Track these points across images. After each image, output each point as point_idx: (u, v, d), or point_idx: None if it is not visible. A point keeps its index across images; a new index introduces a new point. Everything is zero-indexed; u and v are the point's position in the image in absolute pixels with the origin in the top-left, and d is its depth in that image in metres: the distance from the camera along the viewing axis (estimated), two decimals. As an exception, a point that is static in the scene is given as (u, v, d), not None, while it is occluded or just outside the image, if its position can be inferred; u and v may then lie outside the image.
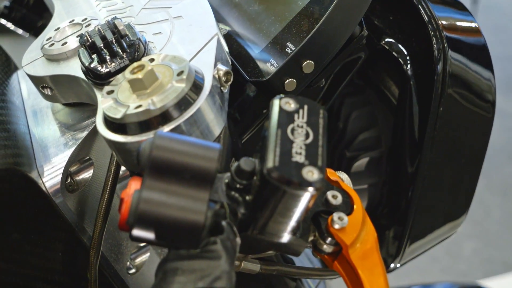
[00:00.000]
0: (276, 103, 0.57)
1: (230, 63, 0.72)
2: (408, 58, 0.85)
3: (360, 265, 0.60)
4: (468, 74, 0.85)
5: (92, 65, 0.68)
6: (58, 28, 0.80)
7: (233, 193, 0.58)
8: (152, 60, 0.66)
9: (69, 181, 0.73)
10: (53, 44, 0.77)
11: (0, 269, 0.68)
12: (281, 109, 0.57)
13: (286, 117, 0.57)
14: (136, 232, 0.53)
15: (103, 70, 0.68)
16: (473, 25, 0.88)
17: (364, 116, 0.94)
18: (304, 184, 0.53)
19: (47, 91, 0.78)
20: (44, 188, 0.71)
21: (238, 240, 0.58)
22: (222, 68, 0.66)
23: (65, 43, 0.77)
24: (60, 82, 0.76)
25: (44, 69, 0.77)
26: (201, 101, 0.61)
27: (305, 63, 0.74)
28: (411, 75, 0.85)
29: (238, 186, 0.58)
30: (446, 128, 0.85)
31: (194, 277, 0.53)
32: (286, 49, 0.75)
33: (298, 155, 0.54)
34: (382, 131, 0.93)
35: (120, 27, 0.69)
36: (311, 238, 0.63)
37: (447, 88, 0.82)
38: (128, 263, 0.82)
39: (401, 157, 0.90)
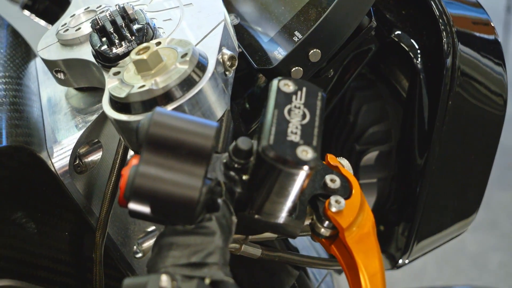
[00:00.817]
0: (274, 84, 0.58)
1: (238, 49, 0.73)
2: (418, 52, 0.85)
3: (355, 248, 0.60)
4: (479, 69, 0.85)
5: (101, 48, 0.70)
6: (74, 15, 0.82)
7: (231, 173, 0.59)
8: (159, 43, 0.67)
9: (77, 162, 0.75)
10: (67, 30, 0.79)
11: (5, 244, 0.69)
12: (279, 90, 0.58)
13: (284, 98, 0.57)
14: (132, 206, 0.54)
15: (112, 53, 0.69)
16: (485, 20, 0.88)
17: (374, 110, 0.94)
18: (298, 162, 0.53)
19: (60, 75, 0.80)
20: (53, 168, 0.73)
21: (234, 218, 0.58)
22: (227, 52, 0.67)
23: (79, 28, 0.79)
24: (73, 66, 0.78)
25: (58, 54, 0.79)
26: (203, 83, 0.63)
27: (311, 51, 0.75)
28: (421, 69, 0.84)
29: (236, 166, 0.59)
30: (455, 123, 0.85)
31: (187, 252, 0.54)
32: (294, 38, 0.76)
33: (294, 134, 0.55)
34: (392, 125, 0.93)
35: (130, 12, 0.70)
36: (308, 221, 0.64)
37: (456, 83, 0.82)
38: (135, 247, 0.83)
39: (410, 152, 0.90)
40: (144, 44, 0.65)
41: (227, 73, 0.67)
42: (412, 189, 0.91)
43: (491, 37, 0.88)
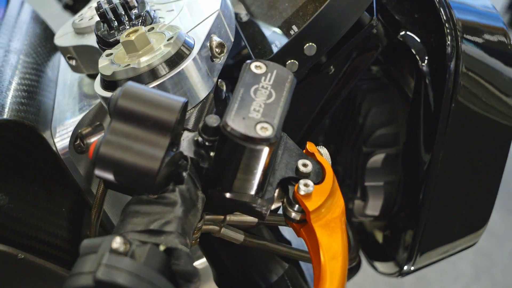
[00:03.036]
0: (246, 65, 0.60)
1: (232, 39, 0.75)
2: (424, 54, 0.84)
3: (319, 231, 0.60)
4: (487, 75, 0.83)
5: (100, 33, 0.74)
6: (91, 7, 0.87)
7: (200, 150, 0.61)
8: (151, 28, 0.70)
9: (78, 142, 0.79)
10: (82, 19, 0.84)
11: (3, 213, 0.73)
12: (249, 71, 0.60)
13: (253, 78, 0.59)
14: (98, 172, 0.57)
15: (111, 38, 0.73)
16: (498, 25, 0.86)
17: (383, 113, 0.94)
18: (256, 138, 0.55)
19: (72, 62, 0.84)
20: (54, 147, 0.77)
21: (201, 194, 0.60)
22: (216, 39, 0.70)
23: (92, 18, 0.83)
24: (82, 53, 0.82)
25: (70, 41, 0.83)
26: (185, 64, 0.65)
27: (307, 45, 0.76)
28: (427, 71, 0.84)
29: (206, 143, 0.60)
30: (459, 128, 0.84)
31: (147, 219, 0.56)
32: (291, 31, 0.77)
33: (256, 112, 0.56)
34: (401, 129, 0.93)
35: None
36: (279, 204, 0.64)
37: (459, 86, 0.81)
38: None
39: (415, 156, 0.89)
40: (134, 27, 0.68)
41: (215, 59, 0.70)
42: (416, 194, 0.90)
43: (504, 45, 0.86)
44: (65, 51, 0.84)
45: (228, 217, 0.71)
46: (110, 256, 0.51)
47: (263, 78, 0.59)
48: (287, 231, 0.85)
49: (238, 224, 0.72)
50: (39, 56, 0.91)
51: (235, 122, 0.55)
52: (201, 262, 0.94)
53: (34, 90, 0.82)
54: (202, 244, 0.83)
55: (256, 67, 0.60)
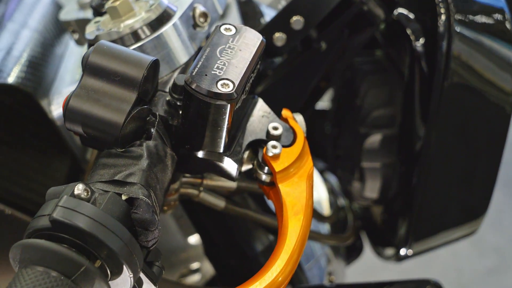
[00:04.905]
0: (216, 27, 0.62)
1: (220, 12, 0.77)
2: (419, 34, 0.84)
3: (284, 191, 0.61)
4: (480, 54, 0.83)
5: (94, 3, 0.76)
6: None
7: (171, 109, 0.62)
8: None
9: None
10: None
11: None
12: (218, 32, 0.61)
13: (220, 39, 0.61)
14: (68, 124, 0.59)
15: (102, 7, 0.76)
16: (497, 5, 0.85)
17: (381, 95, 0.94)
18: (215, 94, 0.56)
19: (75, 36, 0.88)
20: (50, 114, 0.80)
21: (170, 151, 0.62)
22: (200, 8, 0.72)
23: None
24: (84, 26, 0.86)
25: (72, 15, 0.87)
26: (164, 29, 0.67)
27: (294, 18, 0.77)
28: (421, 51, 0.84)
29: (177, 103, 0.62)
30: (452, 107, 0.83)
31: (113, 171, 0.58)
32: (279, 6, 0.79)
33: (219, 70, 0.58)
34: (397, 111, 0.92)
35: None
36: (249, 167, 0.66)
37: (451, 65, 0.80)
38: None
39: (410, 137, 0.89)
40: None
41: (197, 28, 0.71)
42: (410, 178, 0.90)
43: (501, 25, 0.85)
44: (68, 25, 0.87)
45: (205, 181, 0.72)
46: (69, 199, 0.52)
47: (231, 39, 0.61)
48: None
49: (216, 188, 0.73)
50: (49, 33, 0.95)
51: (197, 78, 0.57)
52: (195, 238, 0.96)
53: (39, 63, 0.86)
54: (191, 216, 0.85)
55: (226, 29, 0.62)
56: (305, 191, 0.62)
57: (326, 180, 1.13)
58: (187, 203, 0.83)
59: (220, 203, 0.76)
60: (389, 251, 1.00)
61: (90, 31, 0.71)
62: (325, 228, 1.03)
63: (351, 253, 1.13)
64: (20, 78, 0.79)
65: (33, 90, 0.80)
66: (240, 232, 0.84)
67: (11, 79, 0.77)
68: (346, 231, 0.99)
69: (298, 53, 0.85)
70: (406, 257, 0.96)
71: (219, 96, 0.56)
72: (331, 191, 1.11)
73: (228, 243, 0.85)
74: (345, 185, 1.03)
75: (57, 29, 0.99)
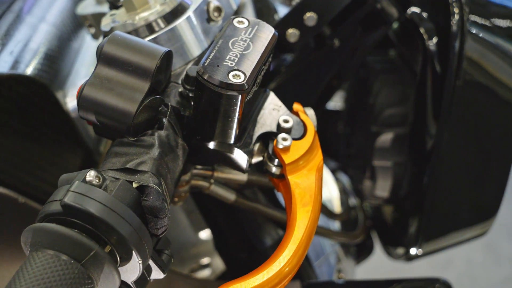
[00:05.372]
0: (229, 20, 0.62)
1: (235, 7, 0.78)
2: (432, 33, 0.84)
3: (294, 183, 0.62)
4: (493, 54, 0.83)
5: None
6: None
7: (183, 100, 0.63)
8: None
9: None
10: None
11: (6, 158, 0.77)
12: (231, 25, 0.62)
13: (233, 31, 0.61)
14: (81, 112, 0.60)
15: (119, 2, 0.77)
16: (511, 5, 0.85)
17: (394, 94, 0.94)
18: (227, 84, 0.57)
19: (92, 30, 0.89)
20: (65, 106, 0.82)
21: (181, 141, 0.63)
22: (215, 3, 0.72)
23: None
24: (99, 20, 0.87)
25: (88, 9, 0.88)
26: (178, 22, 0.68)
27: (308, 15, 0.78)
28: (434, 50, 0.84)
29: (189, 94, 0.63)
30: (464, 107, 0.83)
31: (124, 159, 0.59)
32: (293, 3, 0.79)
33: (231, 61, 0.59)
34: (410, 110, 0.93)
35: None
36: (259, 159, 0.66)
37: (464, 65, 0.80)
38: None
39: (421, 137, 0.89)
40: None
41: (211, 22, 0.72)
42: (422, 177, 0.90)
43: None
44: (84, 19, 0.88)
45: (215, 173, 0.73)
46: (80, 184, 0.53)
47: (243, 32, 0.62)
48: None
49: (227, 181, 0.74)
50: (66, 27, 0.97)
51: (209, 69, 0.58)
52: (206, 234, 0.97)
53: (55, 56, 0.88)
54: (202, 210, 0.86)
55: (239, 22, 0.62)
56: (314, 183, 0.62)
57: (338, 180, 1.14)
58: (198, 196, 0.84)
59: (230, 196, 0.76)
60: (400, 251, 1.00)
61: (106, 23, 0.72)
62: (335, 226, 1.03)
63: (361, 252, 1.13)
64: (36, 70, 0.80)
65: (49, 82, 0.81)
66: (250, 226, 0.84)
67: (28, 70, 0.78)
68: (357, 229, 0.99)
69: (312, 50, 0.86)
70: (416, 256, 0.96)
71: (231, 86, 0.57)
72: (343, 191, 1.12)
73: (238, 237, 0.85)
74: (356, 184, 1.03)
75: (74, 24, 1.01)
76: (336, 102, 1.14)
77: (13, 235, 0.74)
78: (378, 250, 1.12)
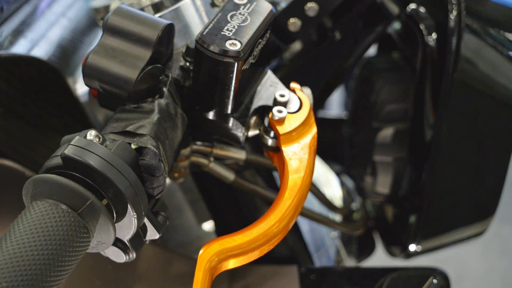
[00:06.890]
0: None
1: None
2: (431, 29, 0.87)
3: (287, 153, 0.64)
4: (490, 50, 0.85)
5: None
6: None
7: (183, 72, 0.66)
8: None
9: None
10: None
11: (18, 138, 0.81)
12: (231, 1, 0.65)
13: (232, 6, 0.65)
14: (86, 80, 0.63)
15: None
16: (509, 3, 0.88)
17: (395, 91, 0.96)
18: (223, 51, 0.60)
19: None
20: (75, 91, 0.85)
21: (180, 110, 0.65)
22: None
23: None
24: (111, 13, 0.91)
25: (102, 2, 0.92)
26: (182, 3, 0.72)
27: (309, 5, 0.81)
28: (433, 46, 0.86)
29: (190, 67, 0.66)
30: (461, 103, 0.85)
31: (125, 124, 0.62)
32: None
33: (229, 31, 0.62)
34: (411, 105, 0.94)
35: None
36: (256, 132, 0.69)
37: (461, 62, 0.82)
38: None
39: (420, 133, 0.90)
40: None
41: (215, 7, 0.76)
42: (420, 174, 0.91)
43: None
44: (97, 12, 0.92)
45: (215, 150, 0.75)
46: (80, 139, 0.56)
47: (242, 7, 0.65)
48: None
49: (226, 158, 0.76)
50: (80, 23, 1.01)
51: (207, 38, 0.61)
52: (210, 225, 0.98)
53: (68, 46, 0.91)
54: (203, 194, 0.88)
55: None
56: (307, 154, 0.64)
57: (343, 183, 1.15)
58: (199, 178, 0.86)
59: (229, 175, 0.78)
60: (399, 248, 1.00)
61: (115, 6, 0.75)
62: (336, 218, 1.05)
63: (363, 251, 1.13)
64: (49, 55, 0.84)
65: (61, 67, 0.85)
66: (250, 209, 0.86)
67: (41, 54, 0.82)
68: (357, 222, 1.00)
69: (314, 44, 0.88)
70: (415, 253, 0.97)
71: (227, 53, 0.60)
72: (347, 194, 1.13)
73: (239, 221, 0.87)
74: (358, 182, 1.05)
75: (89, 21, 1.05)
76: (339, 111, 1.17)
77: (20, 208, 0.77)
78: (378, 250, 1.13)
